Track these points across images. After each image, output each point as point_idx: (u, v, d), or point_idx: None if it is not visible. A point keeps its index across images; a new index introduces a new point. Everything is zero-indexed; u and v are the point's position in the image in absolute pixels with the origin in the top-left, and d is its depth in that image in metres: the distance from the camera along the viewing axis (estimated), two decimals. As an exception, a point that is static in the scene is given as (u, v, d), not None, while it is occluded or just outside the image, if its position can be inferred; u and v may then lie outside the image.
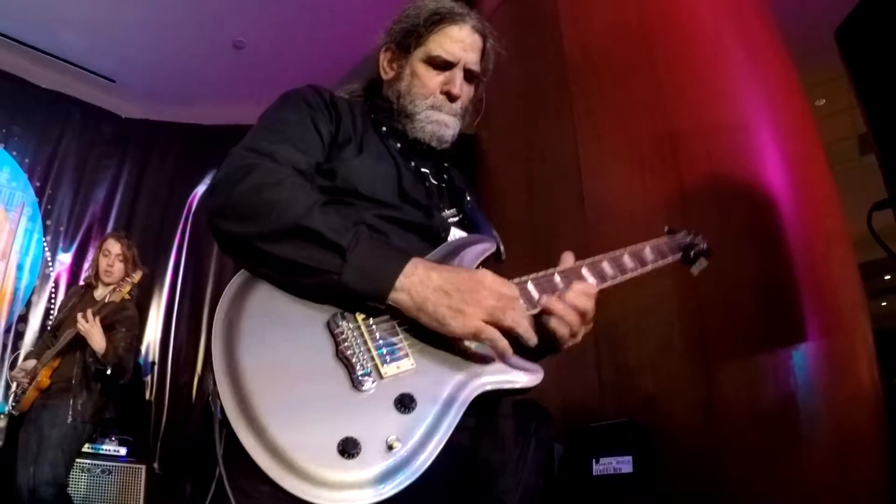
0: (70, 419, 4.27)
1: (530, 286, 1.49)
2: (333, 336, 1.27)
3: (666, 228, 2.02)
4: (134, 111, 8.22)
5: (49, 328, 4.84)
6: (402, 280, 1.28)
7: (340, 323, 1.28)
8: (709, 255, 2.04)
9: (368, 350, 1.27)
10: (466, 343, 1.33)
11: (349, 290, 1.27)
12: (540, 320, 1.47)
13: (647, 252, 1.79)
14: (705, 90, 3.89)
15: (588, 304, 1.47)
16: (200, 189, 8.12)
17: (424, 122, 1.69)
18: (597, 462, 3.31)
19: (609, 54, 4.39)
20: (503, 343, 1.28)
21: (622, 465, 3.22)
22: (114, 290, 4.43)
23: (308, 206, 1.32)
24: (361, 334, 1.29)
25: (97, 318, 4.24)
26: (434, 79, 1.70)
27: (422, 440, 1.20)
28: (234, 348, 1.21)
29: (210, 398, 1.23)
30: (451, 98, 1.71)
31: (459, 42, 1.70)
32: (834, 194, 3.81)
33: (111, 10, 6.87)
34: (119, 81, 7.98)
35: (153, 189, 8.03)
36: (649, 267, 1.77)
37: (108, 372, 4.29)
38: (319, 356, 1.24)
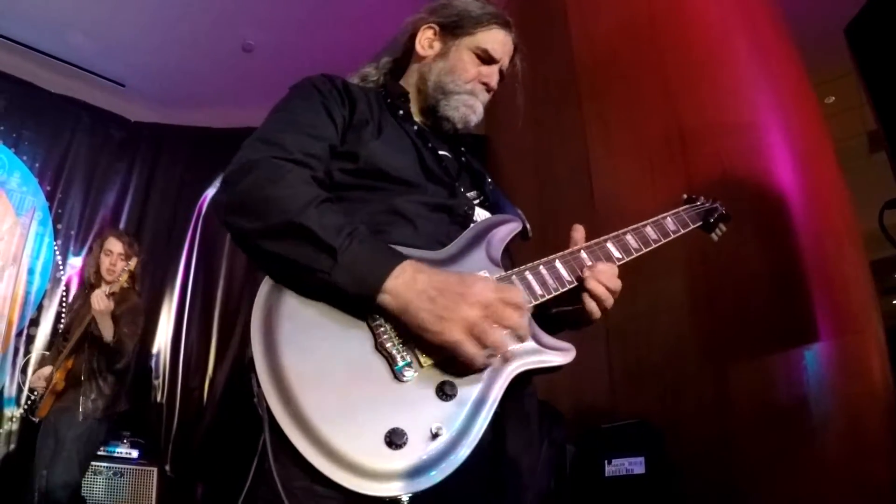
0: (81, 418, 4.30)
1: (559, 264, 1.54)
2: (371, 329, 1.28)
3: (684, 196, 2.06)
4: (143, 114, 8.23)
5: (60, 333, 4.86)
6: (390, 282, 1.26)
7: (378, 316, 1.28)
8: (728, 219, 2.09)
9: (407, 340, 1.28)
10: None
11: (340, 290, 1.26)
12: (572, 295, 1.54)
13: (669, 222, 1.85)
14: (714, 89, 3.88)
15: (617, 284, 1.55)
16: (210, 192, 8.13)
17: (459, 102, 1.78)
18: (609, 463, 3.31)
19: (618, 53, 4.38)
20: (479, 361, 1.25)
21: (634, 465, 3.21)
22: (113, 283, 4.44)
23: (306, 202, 1.32)
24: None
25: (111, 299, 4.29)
26: (476, 68, 1.80)
27: (465, 425, 1.23)
28: (274, 348, 1.22)
29: (255, 400, 1.24)
30: (488, 89, 1.83)
31: (503, 45, 1.84)
32: (844, 192, 3.80)
33: (120, 15, 6.89)
34: (128, 85, 8.00)
35: (163, 192, 8.04)
36: (671, 237, 1.82)
37: (115, 357, 4.40)
38: (359, 350, 1.26)
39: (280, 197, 1.32)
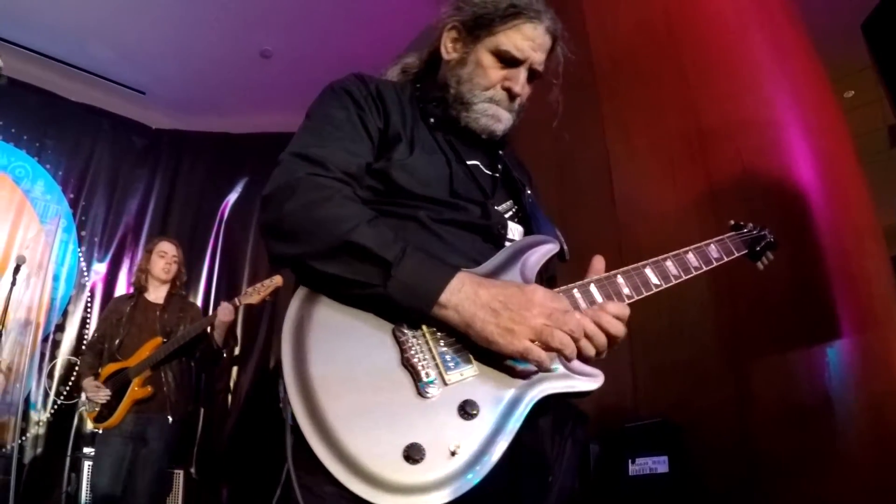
0: (170, 421, 4.53)
1: (593, 288, 1.51)
2: (399, 344, 1.29)
3: (731, 223, 2.00)
4: (164, 122, 8.32)
5: (95, 340, 4.92)
6: (448, 296, 1.28)
7: (406, 331, 1.30)
8: (776, 247, 2.03)
9: (433, 357, 1.29)
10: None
11: (395, 302, 1.28)
12: None
13: (713, 249, 1.79)
14: (732, 87, 3.87)
15: (619, 329, 1.41)
16: (232, 197, 8.22)
17: (480, 113, 1.65)
18: (633, 462, 3.31)
19: (636, 53, 4.38)
20: (548, 365, 1.29)
21: (658, 464, 3.22)
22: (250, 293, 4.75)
23: (357, 221, 1.32)
24: (426, 342, 1.31)
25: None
26: (498, 72, 1.66)
27: (483, 446, 1.23)
28: (302, 358, 1.24)
29: (281, 405, 1.27)
30: (512, 96, 1.68)
31: (530, 41, 1.66)
32: (864, 188, 3.78)
33: (139, 23, 6.96)
34: (149, 93, 8.08)
35: (185, 198, 8.12)
36: (714, 264, 1.76)
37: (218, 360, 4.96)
38: (386, 364, 1.27)
39: (330, 217, 1.33)
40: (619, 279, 1.55)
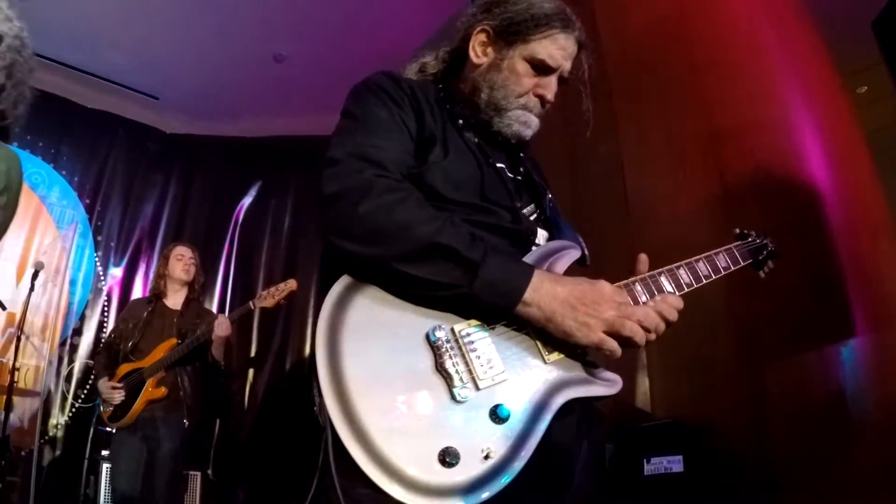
0: (186, 424, 4.57)
1: (638, 288, 1.60)
2: (433, 348, 1.33)
3: (736, 231, 2.03)
4: (178, 126, 8.35)
5: (111, 341, 4.97)
6: (531, 294, 1.36)
7: (439, 335, 1.33)
8: (778, 256, 2.07)
9: (466, 362, 1.33)
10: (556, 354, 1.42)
11: (480, 301, 1.34)
12: None
13: (722, 258, 1.83)
14: (745, 85, 3.86)
15: (675, 318, 1.56)
16: (246, 201, 8.26)
17: (513, 119, 1.69)
18: (648, 462, 3.32)
19: (648, 52, 4.38)
20: (619, 352, 1.39)
21: (673, 464, 3.22)
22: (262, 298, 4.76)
23: (440, 223, 1.37)
24: (459, 347, 1.35)
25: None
26: (531, 79, 1.69)
27: (514, 448, 1.28)
28: (338, 363, 1.27)
29: (317, 409, 1.32)
30: (544, 103, 1.73)
31: (563, 50, 1.70)
32: (878, 186, 3.76)
33: (152, 29, 7.00)
34: (162, 98, 8.12)
35: (200, 202, 8.16)
36: (722, 273, 1.80)
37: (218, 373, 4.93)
38: (420, 368, 1.31)
39: (413, 220, 1.37)
40: (638, 287, 1.61)
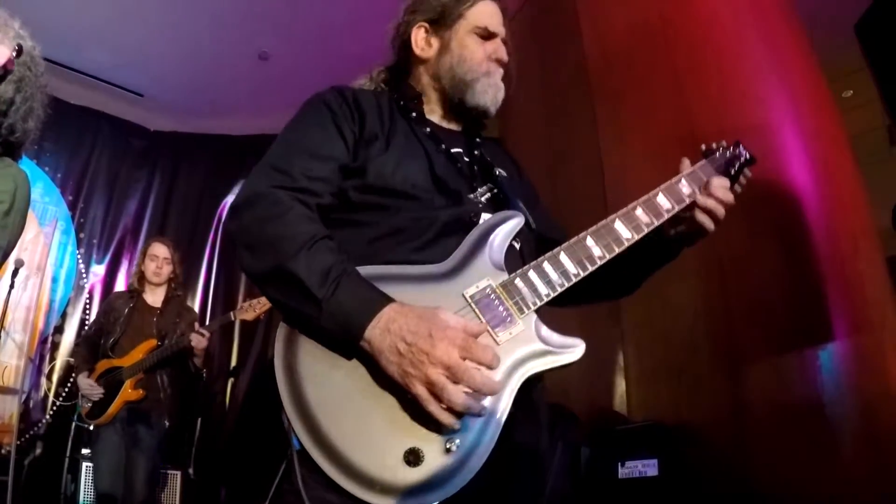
0: (167, 425, 4.59)
1: (683, 182, 1.71)
2: None
3: (703, 147, 1.88)
4: (162, 124, 8.34)
5: (91, 334, 4.94)
6: (368, 331, 1.26)
7: None
8: (753, 162, 1.87)
9: None
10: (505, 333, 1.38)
11: (329, 335, 1.31)
12: (685, 214, 1.68)
13: (684, 185, 1.72)
14: (727, 88, 3.85)
15: (731, 197, 1.67)
16: (230, 199, 8.23)
17: (486, 85, 1.75)
18: (622, 465, 3.31)
19: (630, 54, 4.36)
20: (445, 424, 1.23)
21: (648, 468, 3.21)
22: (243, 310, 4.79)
23: (300, 245, 1.34)
24: None
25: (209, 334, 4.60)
26: (482, 48, 1.77)
27: (477, 438, 1.27)
28: (297, 385, 1.29)
29: (287, 432, 1.30)
30: (502, 64, 1.80)
31: (496, 16, 1.81)
32: (861, 190, 3.76)
33: (136, 26, 6.98)
34: (147, 95, 8.11)
35: (183, 199, 8.15)
36: (687, 202, 1.70)
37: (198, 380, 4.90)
38: (374, 378, 1.30)
39: (277, 237, 1.36)
40: (589, 240, 1.54)
